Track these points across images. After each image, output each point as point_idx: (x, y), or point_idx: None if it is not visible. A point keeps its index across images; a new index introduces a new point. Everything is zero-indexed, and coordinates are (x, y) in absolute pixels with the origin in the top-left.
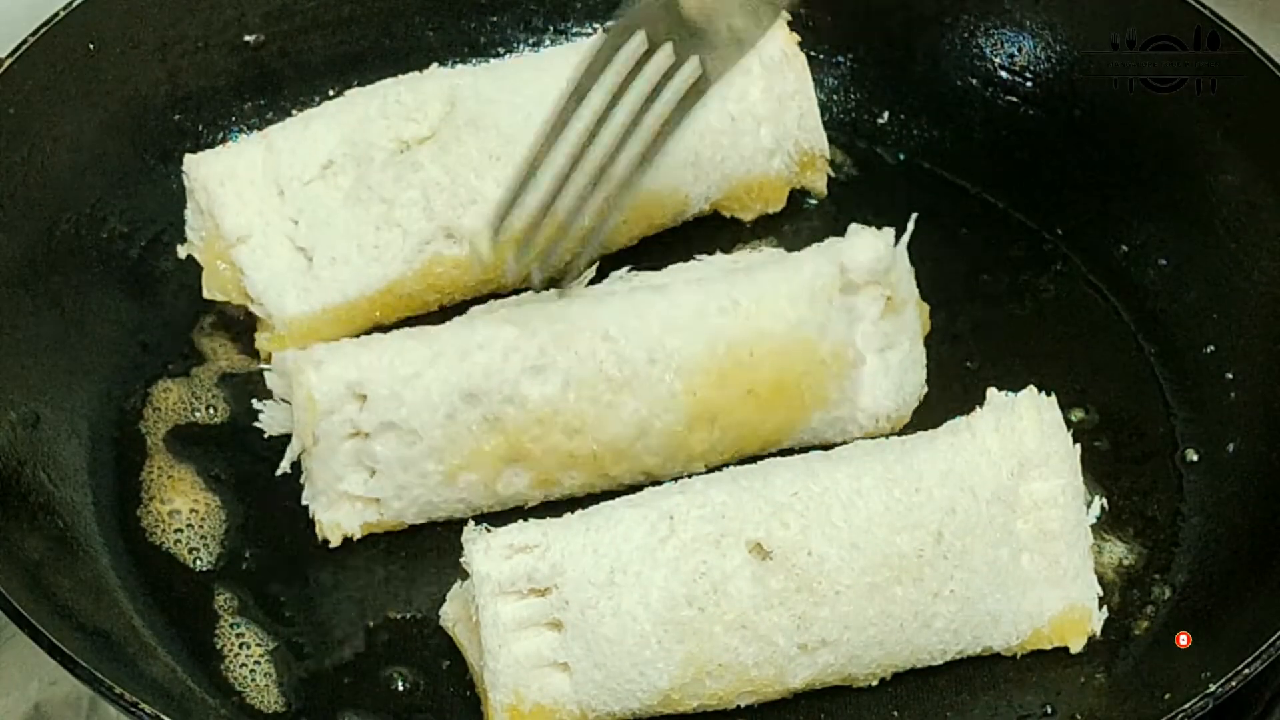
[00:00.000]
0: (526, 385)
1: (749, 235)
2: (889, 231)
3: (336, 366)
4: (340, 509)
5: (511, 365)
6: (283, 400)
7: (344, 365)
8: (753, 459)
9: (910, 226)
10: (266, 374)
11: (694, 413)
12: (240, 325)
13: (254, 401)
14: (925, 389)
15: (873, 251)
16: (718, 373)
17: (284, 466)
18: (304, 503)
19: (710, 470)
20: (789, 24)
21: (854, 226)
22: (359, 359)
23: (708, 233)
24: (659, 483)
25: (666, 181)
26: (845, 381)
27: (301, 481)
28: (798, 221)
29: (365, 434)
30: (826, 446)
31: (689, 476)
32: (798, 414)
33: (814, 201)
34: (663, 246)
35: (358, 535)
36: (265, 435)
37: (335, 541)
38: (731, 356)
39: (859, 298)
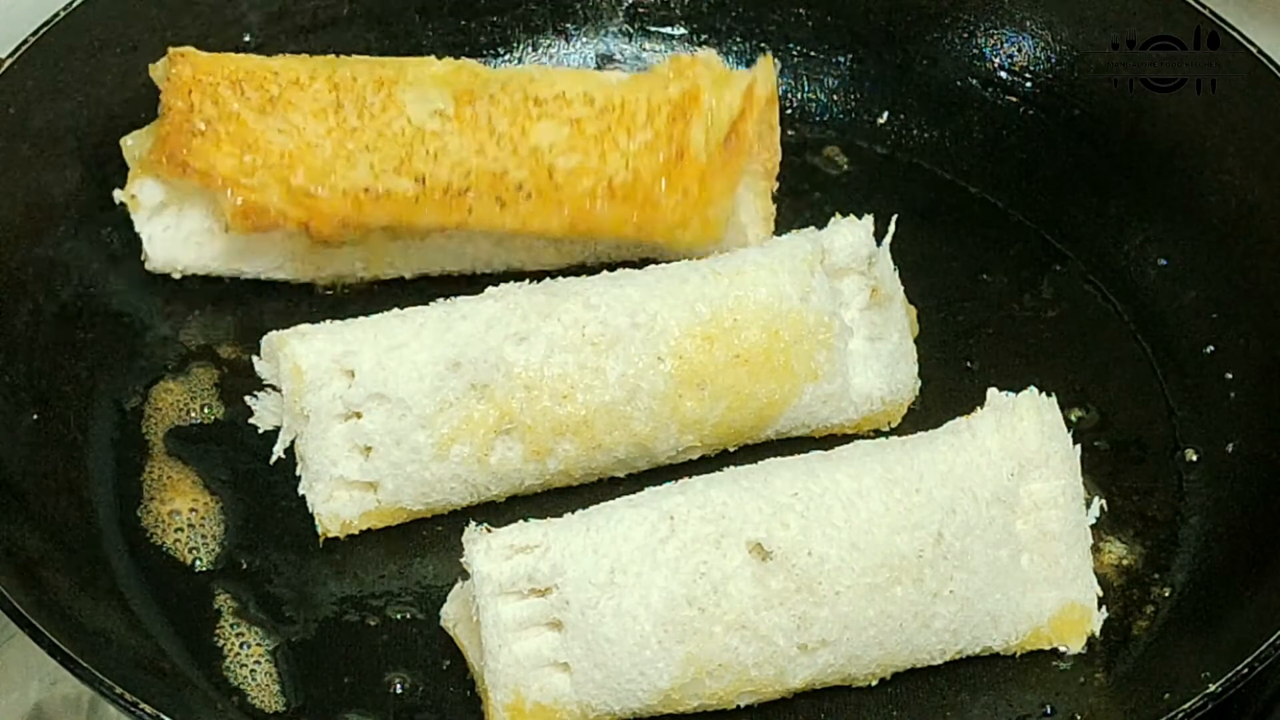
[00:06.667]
0: (511, 352)
1: None
2: (868, 219)
3: (321, 339)
4: (337, 498)
5: (495, 334)
6: (273, 389)
7: (329, 339)
8: (750, 441)
9: (892, 227)
10: (256, 362)
11: (681, 376)
12: (241, 325)
13: (246, 397)
14: (919, 384)
15: (852, 236)
16: (702, 335)
17: (277, 452)
18: (300, 492)
19: (706, 448)
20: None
21: (835, 218)
22: (344, 334)
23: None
24: (656, 466)
25: None
26: (834, 353)
27: (298, 473)
28: (796, 222)
29: (357, 414)
30: (825, 444)
31: (685, 455)
32: (789, 384)
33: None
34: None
35: (358, 526)
36: (259, 430)
37: (336, 534)
38: (715, 321)
39: (843, 283)
